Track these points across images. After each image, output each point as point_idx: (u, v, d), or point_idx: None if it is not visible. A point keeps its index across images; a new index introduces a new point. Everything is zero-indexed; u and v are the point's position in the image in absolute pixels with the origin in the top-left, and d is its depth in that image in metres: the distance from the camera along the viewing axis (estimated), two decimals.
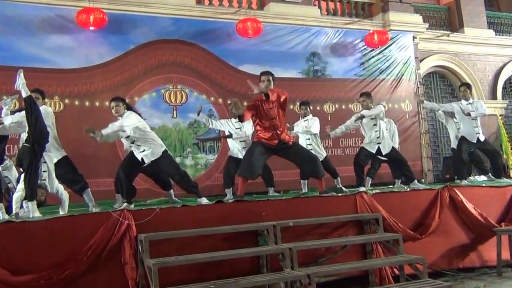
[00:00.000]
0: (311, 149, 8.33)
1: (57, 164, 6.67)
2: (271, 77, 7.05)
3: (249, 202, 6.71)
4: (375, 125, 8.30)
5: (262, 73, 7.13)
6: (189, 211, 6.24)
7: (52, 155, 6.58)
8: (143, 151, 6.75)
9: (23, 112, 6.27)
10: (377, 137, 8.26)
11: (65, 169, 6.84)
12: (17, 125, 6.48)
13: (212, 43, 10.39)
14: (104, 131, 6.57)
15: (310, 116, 8.88)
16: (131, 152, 6.91)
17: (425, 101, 9.76)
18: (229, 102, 7.94)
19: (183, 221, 6.02)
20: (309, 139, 8.69)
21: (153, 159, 6.77)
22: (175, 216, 6.10)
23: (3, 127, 6.43)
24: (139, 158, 6.77)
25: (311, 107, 9.05)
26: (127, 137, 6.79)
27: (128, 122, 6.65)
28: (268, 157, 7.26)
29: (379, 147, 8.26)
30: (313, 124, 8.73)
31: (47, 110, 6.81)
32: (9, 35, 8.81)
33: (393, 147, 8.44)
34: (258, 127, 7.06)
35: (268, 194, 8.38)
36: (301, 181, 8.83)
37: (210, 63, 10.35)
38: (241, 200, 6.71)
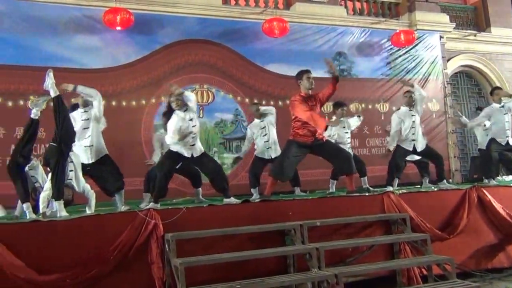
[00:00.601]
0: (349, 148, 8.44)
1: (98, 162, 6.80)
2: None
3: (276, 202, 6.69)
4: (414, 121, 8.20)
5: (307, 71, 7.24)
6: (216, 211, 6.24)
7: (78, 155, 6.63)
8: (193, 145, 6.80)
9: None
10: (412, 134, 8.15)
11: (107, 167, 6.91)
12: None
13: (238, 42, 10.45)
14: None
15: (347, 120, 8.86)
16: (170, 152, 6.86)
17: (463, 117, 9.61)
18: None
19: (210, 220, 6.02)
20: (349, 137, 8.70)
21: (200, 154, 6.85)
22: (202, 215, 6.11)
23: None
24: (189, 155, 6.76)
25: (345, 109, 8.90)
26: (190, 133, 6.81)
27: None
28: (302, 158, 7.27)
29: (414, 145, 8.17)
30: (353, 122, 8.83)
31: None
32: (37, 35, 8.94)
33: (426, 143, 8.35)
34: (295, 124, 7.07)
35: (294, 193, 8.36)
36: (331, 180, 8.80)
37: (236, 62, 10.40)
38: (268, 200, 6.72)
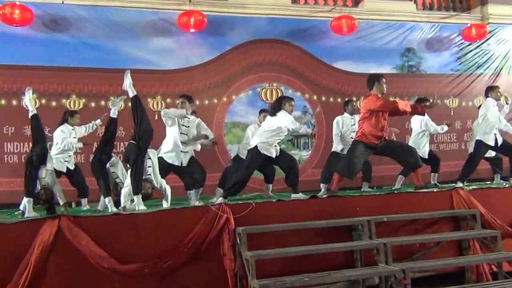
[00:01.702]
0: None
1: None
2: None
3: (343, 197, 6.81)
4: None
5: (383, 76, 7.33)
6: (284, 206, 6.41)
7: (155, 152, 6.93)
8: (276, 145, 7.12)
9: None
10: (496, 128, 8.13)
11: (196, 168, 7.32)
12: None
13: (307, 41, 10.50)
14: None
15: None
16: (257, 152, 7.04)
17: None
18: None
19: (278, 215, 6.20)
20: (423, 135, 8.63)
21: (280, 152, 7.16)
22: (271, 210, 6.29)
23: None
24: (273, 154, 7.06)
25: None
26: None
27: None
28: (368, 155, 7.31)
29: (496, 139, 8.12)
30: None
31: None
32: (116, 39, 9.37)
33: (503, 138, 8.26)
34: (365, 125, 7.02)
35: (361, 189, 8.44)
36: (399, 176, 8.69)
37: (304, 60, 10.49)
38: (335, 195, 6.82)
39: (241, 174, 6.98)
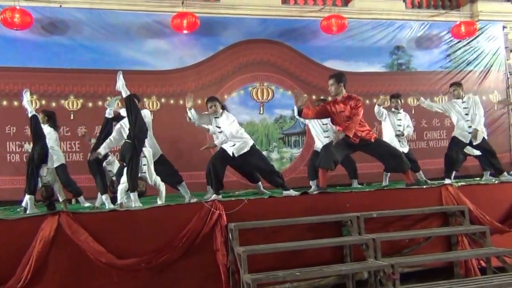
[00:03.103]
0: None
1: (156, 162, 7.15)
2: (334, 80, 7.22)
3: (333, 194, 6.86)
4: (467, 114, 8.21)
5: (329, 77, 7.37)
6: (275, 202, 6.50)
7: (151, 150, 7.00)
8: (233, 145, 7.16)
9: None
10: (469, 127, 8.15)
11: (164, 166, 7.32)
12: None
13: (297, 40, 10.62)
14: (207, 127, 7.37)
15: (402, 112, 8.86)
16: (222, 148, 7.28)
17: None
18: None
19: (270, 211, 6.26)
20: (399, 141, 8.65)
21: (242, 152, 7.16)
22: (262, 206, 6.36)
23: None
24: (230, 153, 7.16)
25: (402, 100, 8.93)
26: (220, 132, 7.26)
27: (226, 122, 7.20)
28: (350, 152, 7.40)
29: (471, 137, 8.16)
30: (409, 126, 8.86)
31: (145, 113, 7.26)
32: (112, 40, 9.54)
33: (483, 137, 8.30)
34: (337, 127, 7.21)
35: (351, 186, 8.52)
36: (384, 173, 8.80)
37: (295, 60, 10.60)
38: (325, 192, 6.88)
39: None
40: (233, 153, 7.15)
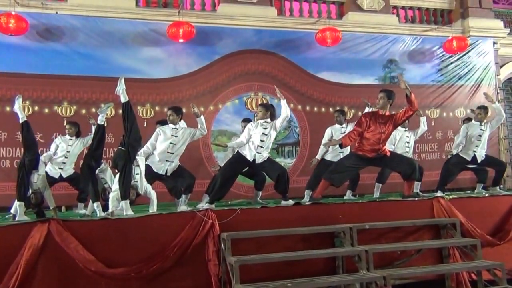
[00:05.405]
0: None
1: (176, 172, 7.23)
2: (385, 94, 7.19)
3: (326, 205, 6.85)
4: (480, 136, 8.23)
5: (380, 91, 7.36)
6: (268, 212, 6.48)
7: (144, 158, 6.97)
8: (260, 153, 7.02)
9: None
10: (476, 146, 8.20)
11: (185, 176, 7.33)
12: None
13: (292, 52, 10.74)
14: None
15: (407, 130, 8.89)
16: (239, 156, 7.10)
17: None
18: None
19: (262, 221, 6.26)
20: (408, 147, 8.74)
21: (261, 160, 7.04)
22: (255, 216, 6.35)
23: None
24: (250, 158, 6.97)
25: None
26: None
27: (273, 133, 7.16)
28: (362, 167, 7.41)
29: (475, 155, 8.20)
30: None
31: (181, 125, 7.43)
32: (107, 48, 9.57)
33: (486, 154, 8.34)
34: (363, 137, 7.08)
35: (344, 197, 8.52)
36: (376, 184, 8.82)
37: (289, 71, 10.70)
38: (318, 203, 6.87)
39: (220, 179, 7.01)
40: (254, 160, 7.00)
